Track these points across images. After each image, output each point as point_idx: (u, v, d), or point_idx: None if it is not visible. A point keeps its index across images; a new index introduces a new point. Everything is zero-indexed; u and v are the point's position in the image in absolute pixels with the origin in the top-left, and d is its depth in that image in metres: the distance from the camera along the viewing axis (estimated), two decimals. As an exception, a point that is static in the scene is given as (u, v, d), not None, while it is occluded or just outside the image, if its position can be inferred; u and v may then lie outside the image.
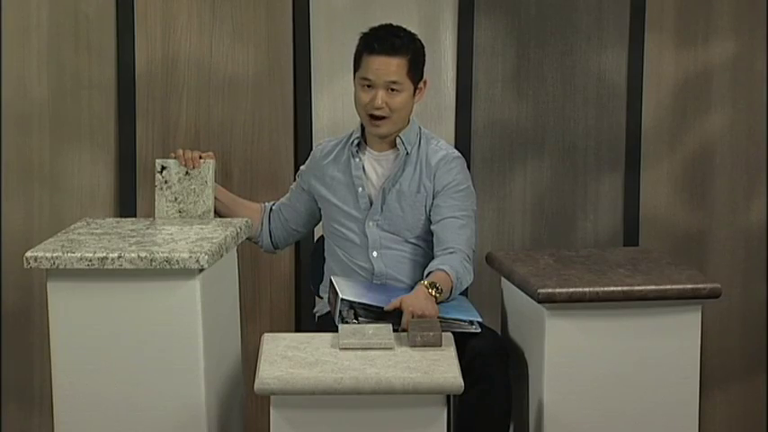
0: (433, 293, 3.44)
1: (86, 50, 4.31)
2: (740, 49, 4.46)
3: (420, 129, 3.75)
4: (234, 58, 4.34)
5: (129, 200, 4.33)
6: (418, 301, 3.39)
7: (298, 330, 4.34)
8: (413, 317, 3.35)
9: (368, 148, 3.73)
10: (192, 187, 3.71)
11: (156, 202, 3.70)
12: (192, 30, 4.33)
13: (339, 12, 4.36)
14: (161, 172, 3.70)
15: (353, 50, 3.69)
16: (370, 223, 3.69)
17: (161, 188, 3.71)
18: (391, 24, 3.71)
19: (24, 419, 4.40)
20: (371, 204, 3.70)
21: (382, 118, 3.62)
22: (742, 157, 4.50)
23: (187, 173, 3.70)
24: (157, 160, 3.71)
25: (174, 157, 3.70)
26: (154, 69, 4.33)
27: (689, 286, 3.45)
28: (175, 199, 3.71)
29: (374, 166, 3.72)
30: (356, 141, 3.72)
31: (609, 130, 4.45)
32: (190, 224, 3.77)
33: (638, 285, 3.44)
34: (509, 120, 4.43)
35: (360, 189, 3.70)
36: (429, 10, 4.37)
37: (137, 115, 4.33)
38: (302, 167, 3.87)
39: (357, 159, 3.72)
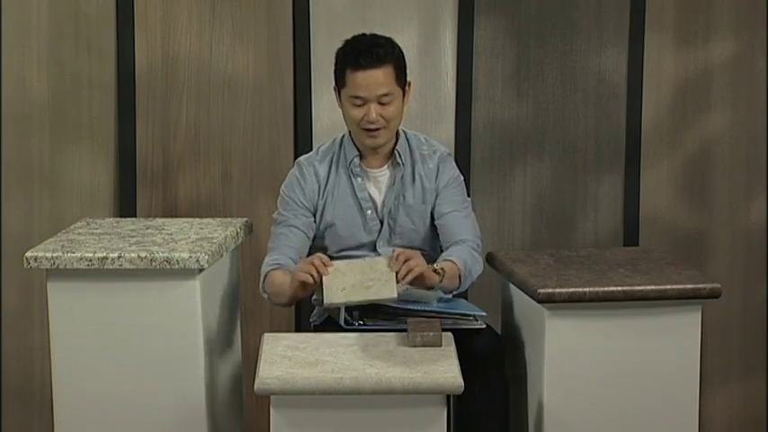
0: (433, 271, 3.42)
1: (86, 50, 4.31)
2: (740, 49, 4.46)
3: (405, 134, 3.70)
4: (234, 58, 4.34)
5: (129, 200, 4.33)
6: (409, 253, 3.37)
7: (298, 331, 4.34)
8: (401, 261, 3.32)
9: (365, 166, 3.65)
10: None
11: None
12: (192, 30, 4.33)
13: (339, 12, 4.36)
14: None
15: None
16: (381, 242, 3.64)
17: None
18: (365, 34, 3.62)
19: (24, 419, 4.40)
20: (381, 226, 3.64)
21: (378, 129, 3.57)
22: (742, 157, 4.50)
23: None
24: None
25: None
26: (154, 69, 4.33)
27: (689, 286, 3.45)
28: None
29: (374, 185, 3.66)
30: (356, 160, 3.62)
31: (609, 130, 4.45)
32: (190, 224, 3.77)
33: (638, 285, 3.44)
34: (509, 120, 4.42)
35: (369, 212, 3.63)
36: (429, 10, 4.36)
37: (137, 115, 4.33)
38: (289, 193, 3.64)
39: (359, 179, 3.64)
